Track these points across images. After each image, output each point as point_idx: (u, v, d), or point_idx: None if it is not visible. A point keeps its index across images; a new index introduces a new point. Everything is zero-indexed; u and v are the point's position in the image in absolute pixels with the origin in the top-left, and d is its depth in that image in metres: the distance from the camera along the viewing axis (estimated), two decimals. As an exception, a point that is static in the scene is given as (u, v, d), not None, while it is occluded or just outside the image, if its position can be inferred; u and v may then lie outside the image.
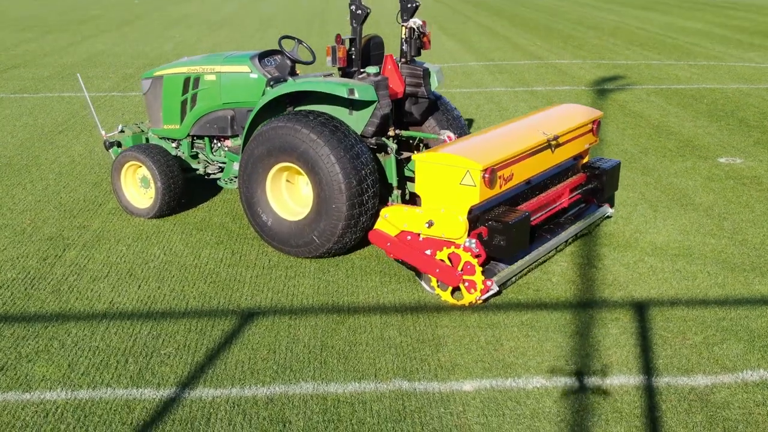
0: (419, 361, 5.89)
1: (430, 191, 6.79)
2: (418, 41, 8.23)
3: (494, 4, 35.92)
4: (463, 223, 6.60)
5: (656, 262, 7.60)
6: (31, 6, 35.72)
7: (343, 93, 7.41)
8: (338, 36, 7.62)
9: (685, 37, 23.49)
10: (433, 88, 8.31)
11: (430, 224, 6.74)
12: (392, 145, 7.79)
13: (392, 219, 6.98)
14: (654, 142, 11.85)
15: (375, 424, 5.13)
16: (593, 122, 8.14)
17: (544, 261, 7.58)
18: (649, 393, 5.49)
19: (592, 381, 5.64)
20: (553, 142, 7.42)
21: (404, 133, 8.00)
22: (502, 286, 6.94)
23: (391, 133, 7.84)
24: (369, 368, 5.81)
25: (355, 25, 7.69)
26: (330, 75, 7.90)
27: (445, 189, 6.69)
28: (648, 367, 5.81)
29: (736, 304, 6.79)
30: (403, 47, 8.20)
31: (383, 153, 7.93)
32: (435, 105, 8.44)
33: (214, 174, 9.10)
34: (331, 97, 7.76)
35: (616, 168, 8.34)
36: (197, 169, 9.13)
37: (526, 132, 7.46)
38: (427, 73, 8.24)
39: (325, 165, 7.22)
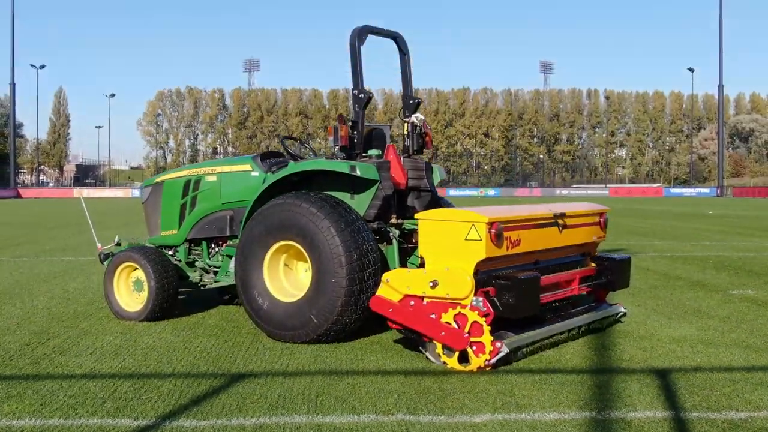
0: (424, 404, 5.39)
1: (434, 249, 6.50)
2: (420, 139, 8.22)
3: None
4: (470, 281, 6.27)
5: (675, 347, 7.16)
6: (49, 212, 36.38)
7: (345, 169, 7.31)
8: (341, 116, 7.61)
9: (685, 230, 23.68)
10: (435, 183, 8.22)
11: (435, 284, 6.40)
12: (394, 231, 7.58)
13: (394, 283, 6.64)
14: (663, 282, 11.59)
15: (375, 442, 4.60)
16: (600, 215, 7.95)
17: (555, 343, 7.13)
18: (680, 423, 4.97)
19: (616, 414, 5.13)
20: (560, 221, 7.20)
21: (407, 222, 7.78)
22: (513, 354, 6.47)
23: (393, 220, 7.66)
24: (369, 407, 5.30)
25: (357, 109, 7.69)
26: (332, 157, 7.82)
27: (449, 246, 6.41)
28: (676, 407, 5.30)
29: (765, 370, 6.32)
30: (406, 142, 8.18)
31: (385, 242, 7.69)
32: (437, 201, 8.30)
33: (209, 283, 8.79)
34: (332, 182, 7.64)
35: (626, 262, 8.07)
36: (192, 277, 8.82)
37: (533, 207, 7.31)
38: (429, 167, 8.18)
39: (325, 238, 6.98)
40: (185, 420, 5.02)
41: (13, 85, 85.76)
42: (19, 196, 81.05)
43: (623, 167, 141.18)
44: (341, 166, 7.35)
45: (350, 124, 7.70)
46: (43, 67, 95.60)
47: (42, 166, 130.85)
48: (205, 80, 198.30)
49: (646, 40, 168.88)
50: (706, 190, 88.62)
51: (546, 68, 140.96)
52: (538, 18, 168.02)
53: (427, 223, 6.56)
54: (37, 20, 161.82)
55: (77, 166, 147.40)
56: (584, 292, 7.78)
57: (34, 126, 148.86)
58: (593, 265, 7.92)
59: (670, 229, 24.08)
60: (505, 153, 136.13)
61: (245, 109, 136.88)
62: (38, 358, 6.76)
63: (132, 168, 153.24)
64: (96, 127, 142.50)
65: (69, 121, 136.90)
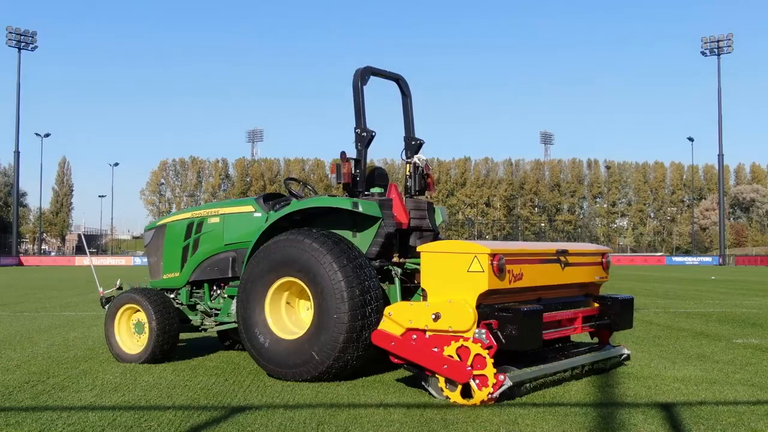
0: (427, 425, 5.32)
1: (436, 282, 6.50)
2: (422, 180, 8.27)
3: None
4: (472, 313, 6.25)
5: (679, 385, 7.09)
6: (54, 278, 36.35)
7: (348, 205, 7.34)
8: (343, 153, 7.66)
9: (688, 291, 23.60)
10: (438, 223, 8.24)
11: (437, 317, 6.38)
12: (397, 269, 7.57)
13: (396, 316, 6.62)
14: (666, 333, 11.53)
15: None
16: (602, 255, 7.96)
17: (559, 381, 7.07)
18: (685, 446, 4.91)
19: (620, 439, 5.07)
20: (562, 258, 7.21)
21: (409, 261, 7.76)
22: (516, 389, 6.41)
23: (395, 259, 7.66)
24: (371, 433, 5.24)
25: (359, 147, 7.75)
26: (334, 196, 7.85)
27: (452, 278, 6.41)
28: (687, 430, 5.24)
29: (770, 403, 6.26)
30: (408, 183, 8.23)
31: (387, 281, 7.67)
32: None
33: (210, 327, 8.74)
34: (335, 220, 7.66)
35: (629, 302, 8.05)
36: (193, 321, 8.78)
37: (536, 243, 7.34)
38: (431, 208, 8.21)
39: (327, 273, 6.98)
40: (185, 444, 4.96)
41: (17, 153, 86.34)
42: (21, 264, 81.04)
43: (624, 237, 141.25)
44: (344, 202, 7.39)
45: (353, 162, 7.73)
46: (47, 135, 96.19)
47: (44, 235, 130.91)
48: (208, 150, 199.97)
49: (645, 110, 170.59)
50: (708, 259, 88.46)
51: (546, 139, 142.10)
52: (538, 89, 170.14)
53: (430, 255, 6.57)
54: (42, 89, 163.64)
55: (79, 235, 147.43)
56: (587, 332, 7.75)
57: (37, 194, 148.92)
58: (596, 305, 7.88)
59: (672, 291, 24.02)
60: (506, 222, 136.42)
61: (248, 179, 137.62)
62: (38, 393, 6.70)
63: (134, 237, 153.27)
64: (99, 196, 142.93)
65: (72, 191, 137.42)
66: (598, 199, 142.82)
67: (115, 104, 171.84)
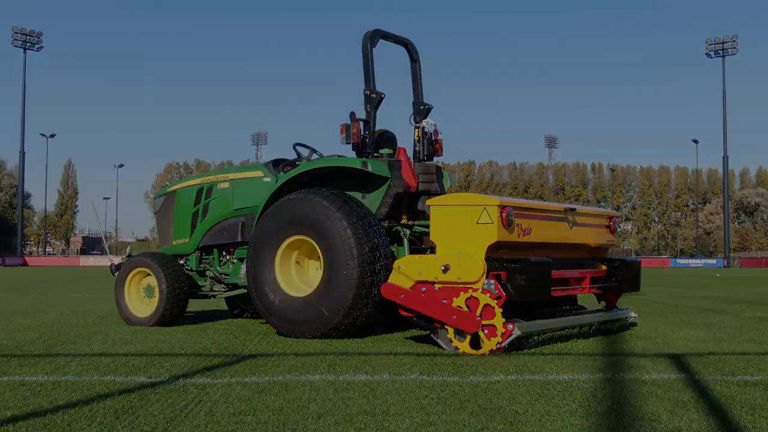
0: (438, 369, 5.38)
1: (446, 235, 6.53)
2: (430, 145, 8.31)
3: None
4: (482, 264, 6.28)
5: (688, 342, 7.13)
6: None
7: (357, 164, 7.39)
8: (353, 114, 7.70)
9: (693, 282, 23.64)
10: (446, 188, 8.28)
11: (446, 269, 6.40)
12: (405, 231, 7.61)
13: (406, 269, 6.64)
14: (672, 309, 11.57)
15: (390, 391, 4.57)
16: (610, 219, 8.01)
17: (567, 337, 7.11)
18: (696, 382, 4.94)
19: (629, 376, 5.11)
20: (570, 216, 7.25)
21: (417, 224, 7.79)
22: (525, 340, 6.44)
23: (404, 221, 7.70)
24: (383, 370, 5.30)
25: (369, 109, 7.79)
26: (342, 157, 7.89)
27: (461, 230, 6.43)
28: (691, 372, 5.28)
29: (778, 353, 6.30)
30: (416, 147, 8.26)
31: (396, 244, 7.71)
32: (448, 206, 8.33)
33: (219, 294, 8.80)
34: (344, 182, 7.70)
35: (636, 265, 8.08)
36: (203, 286, 8.84)
37: (544, 201, 7.38)
38: (439, 172, 8.25)
39: (336, 230, 7.02)
40: (198, 378, 5.01)
41: (22, 153, 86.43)
42: (25, 264, 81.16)
43: (629, 240, 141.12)
44: (353, 162, 7.44)
45: (362, 123, 7.77)
46: (53, 136, 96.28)
47: (48, 238, 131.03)
48: (213, 153, 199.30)
49: (649, 113, 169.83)
50: (713, 261, 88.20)
51: (550, 142, 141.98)
52: (542, 93, 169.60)
53: (439, 209, 6.60)
54: (47, 89, 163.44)
55: (83, 238, 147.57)
56: (594, 293, 7.79)
57: (42, 196, 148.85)
58: (604, 267, 7.90)
59: (678, 282, 24.03)
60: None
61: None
62: (50, 345, 6.76)
63: (138, 240, 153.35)
64: (104, 198, 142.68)
65: (77, 193, 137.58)
66: (602, 203, 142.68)
67: (120, 106, 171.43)
